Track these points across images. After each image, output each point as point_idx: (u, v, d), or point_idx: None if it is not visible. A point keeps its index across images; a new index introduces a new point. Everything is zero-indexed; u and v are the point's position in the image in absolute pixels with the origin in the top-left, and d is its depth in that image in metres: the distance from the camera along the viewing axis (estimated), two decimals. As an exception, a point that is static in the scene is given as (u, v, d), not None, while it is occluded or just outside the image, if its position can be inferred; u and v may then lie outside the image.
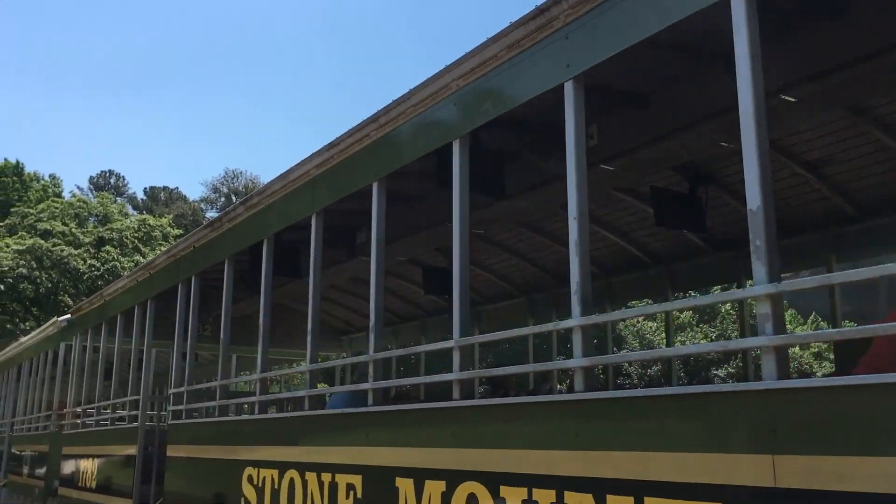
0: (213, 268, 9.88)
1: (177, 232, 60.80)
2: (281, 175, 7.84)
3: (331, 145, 7.07)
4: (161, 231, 62.65)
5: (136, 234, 61.40)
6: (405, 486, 5.43)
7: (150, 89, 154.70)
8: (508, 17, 5.37)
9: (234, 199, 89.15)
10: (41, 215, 62.01)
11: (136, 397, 12.11)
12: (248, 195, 8.62)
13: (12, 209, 66.98)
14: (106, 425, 13.46)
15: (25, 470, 18.16)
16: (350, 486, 6.11)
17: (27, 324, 53.99)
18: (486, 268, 11.98)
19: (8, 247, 54.96)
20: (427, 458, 5.28)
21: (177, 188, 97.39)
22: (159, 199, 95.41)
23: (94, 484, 12.99)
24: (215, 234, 9.68)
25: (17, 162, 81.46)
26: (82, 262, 55.33)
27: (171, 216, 78.89)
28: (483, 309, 12.91)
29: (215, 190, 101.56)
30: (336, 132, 7.22)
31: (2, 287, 53.09)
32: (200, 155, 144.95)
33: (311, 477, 6.68)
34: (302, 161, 7.51)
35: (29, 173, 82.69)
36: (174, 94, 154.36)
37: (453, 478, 5.02)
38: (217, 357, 15.32)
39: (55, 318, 17.58)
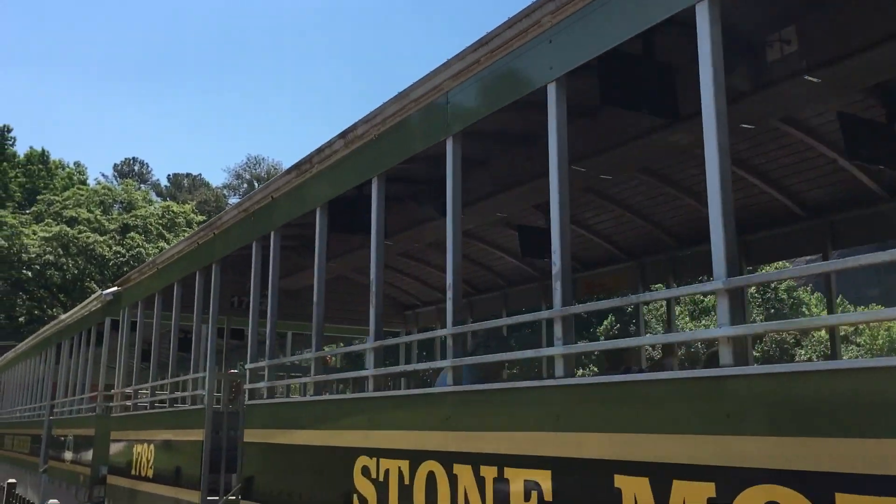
0: (298, 221, 8.50)
1: (200, 218, 60.24)
2: (401, 94, 6.38)
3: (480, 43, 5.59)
4: (185, 217, 62.12)
5: (161, 221, 60.95)
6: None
7: (173, 77, 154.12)
8: None
9: (255, 185, 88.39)
10: (67, 203, 61.62)
11: (200, 375, 10.80)
12: (349, 127, 7.16)
13: (38, 197, 66.69)
14: (163, 407, 12.17)
15: (68, 455, 16.83)
16: (532, 485, 4.65)
17: (54, 310, 53.51)
18: (587, 227, 10.55)
19: (35, 234, 54.51)
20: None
21: (199, 175, 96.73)
22: (182, 185, 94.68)
23: (150, 472, 11.70)
24: (302, 178, 8.28)
25: (43, 150, 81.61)
26: (108, 248, 54.77)
27: (194, 203, 78.31)
28: (579, 276, 11.52)
29: (238, 176, 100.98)
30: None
31: (29, 274, 52.59)
32: (223, 141, 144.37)
33: (462, 471, 5.23)
34: (430, 73, 6.05)
35: (54, 161, 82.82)
36: (196, 82, 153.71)
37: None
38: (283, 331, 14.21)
39: (99, 292, 16.28)
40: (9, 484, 16.30)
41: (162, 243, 55.32)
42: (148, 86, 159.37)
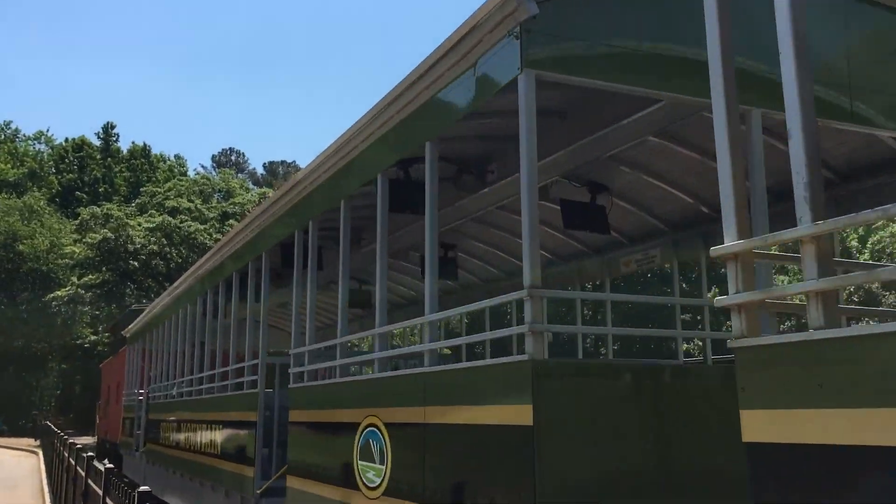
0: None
1: (297, 204, 61.06)
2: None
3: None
4: (282, 204, 63.30)
5: (259, 208, 62.16)
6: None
7: (268, 68, 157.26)
8: None
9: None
10: (168, 193, 63.66)
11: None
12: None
13: (141, 189, 69.15)
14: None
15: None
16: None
17: (161, 299, 55.39)
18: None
19: (140, 225, 56.52)
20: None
21: (294, 162, 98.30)
22: (278, 172, 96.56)
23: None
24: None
25: (145, 145, 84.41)
26: (208, 236, 56.29)
27: (290, 189, 79.64)
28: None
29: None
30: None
31: (136, 264, 54.58)
32: (316, 128, 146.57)
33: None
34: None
35: (156, 155, 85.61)
36: (289, 71, 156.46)
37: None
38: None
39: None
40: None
41: (260, 230, 56.34)
42: (244, 77, 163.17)
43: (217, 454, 11.82)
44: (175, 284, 16.68)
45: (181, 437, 14.63)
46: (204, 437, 12.81)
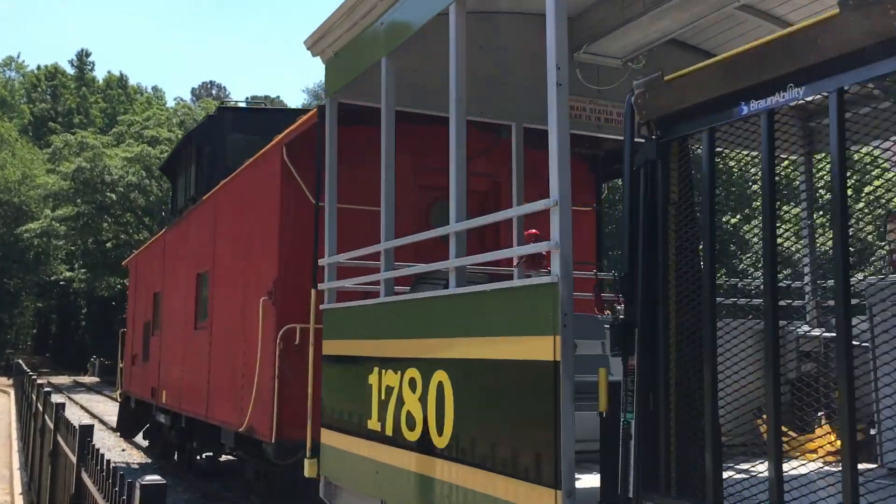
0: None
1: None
2: None
3: None
4: (266, 138, 60.67)
5: (242, 142, 59.46)
6: None
7: (250, 2, 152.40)
8: None
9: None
10: (147, 123, 60.67)
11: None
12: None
13: (119, 118, 66.19)
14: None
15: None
16: None
17: (141, 234, 52.86)
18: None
19: (117, 155, 53.58)
20: None
21: (278, 97, 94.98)
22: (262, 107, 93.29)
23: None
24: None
25: (122, 74, 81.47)
26: (190, 170, 53.46)
27: (274, 124, 76.80)
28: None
29: (316, 96, 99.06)
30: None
31: (114, 197, 51.83)
32: (301, 63, 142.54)
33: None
34: None
35: (132, 86, 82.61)
36: (272, 4, 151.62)
37: None
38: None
39: None
40: None
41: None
42: (224, 10, 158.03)
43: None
44: None
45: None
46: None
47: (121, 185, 52.18)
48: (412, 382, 4.84)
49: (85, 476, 5.28)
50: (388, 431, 5.08)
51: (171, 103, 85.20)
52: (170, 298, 12.99)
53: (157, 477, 3.19)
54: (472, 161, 9.29)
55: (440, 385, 4.54)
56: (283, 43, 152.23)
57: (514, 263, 6.29)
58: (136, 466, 15.31)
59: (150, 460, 16.17)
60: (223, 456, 12.74)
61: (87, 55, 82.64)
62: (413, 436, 4.79)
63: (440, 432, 4.52)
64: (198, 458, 13.57)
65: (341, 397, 6.00)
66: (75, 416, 17.38)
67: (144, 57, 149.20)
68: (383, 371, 5.18)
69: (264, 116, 12.02)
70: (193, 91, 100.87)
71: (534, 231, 6.32)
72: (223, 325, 9.82)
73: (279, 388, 7.72)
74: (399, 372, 5.00)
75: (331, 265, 6.24)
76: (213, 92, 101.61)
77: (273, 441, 7.67)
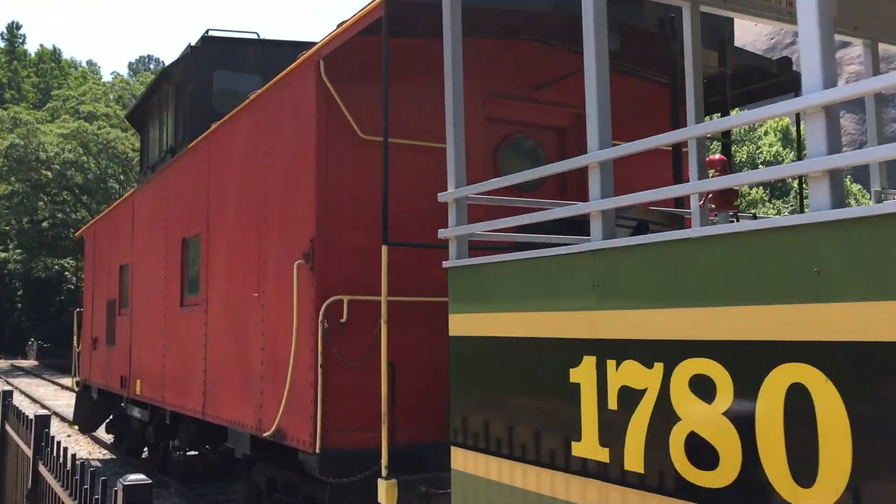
0: None
1: (225, 114, 56.18)
2: None
3: None
4: (209, 113, 58.02)
5: (185, 117, 56.69)
6: None
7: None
8: None
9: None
10: (83, 98, 57.50)
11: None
12: None
13: (53, 93, 62.75)
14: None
15: None
16: None
17: (79, 213, 49.94)
18: None
19: (51, 132, 50.38)
20: None
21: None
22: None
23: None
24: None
25: (55, 48, 78.06)
26: (130, 145, 50.46)
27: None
28: None
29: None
30: None
31: (49, 175, 48.80)
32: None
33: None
34: None
35: (66, 60, 79.15)
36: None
37: None
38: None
39: None
40: None
41: (184, 139, 51.28)
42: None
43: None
44: None
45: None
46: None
47: (56, 163, 49.16)
48: (702, 384, 2.78)
49: (43, 469, 4.80)
50: (631, 465, 3.06)
51: (107, 78, 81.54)
52: (142, 271, 10.87)
53: (141, 476, 2.87)
54: (544, 90, 7.46)
55: (798, 391, 2.48)
56: (222, 14, 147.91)
57: (700, 202, 4.52)
58: (99, 464, 13.29)
59: (114, 456, 14.12)
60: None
61: (18, 28, 78.83)
62: (706, 479, 2.77)
63: (806, 478, 2.47)
64: (175, 454, 11.67)
65: (498, 401, 3.93)
66: (17, 401, 15.21)
67: (78, 30, 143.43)
68: (610, 363, 3.13)
69: (262, 49, 9.93)
70: (131, 65, 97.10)
71: (720, 157, 4.57)
72: (226, 301, 7.82)
73: (323, 381, 5.79)
74: (659, 364, 2.95)
75: (460, 201, 4.27)
76: (151, 67, 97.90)
77: (316, 451, 5.75)
